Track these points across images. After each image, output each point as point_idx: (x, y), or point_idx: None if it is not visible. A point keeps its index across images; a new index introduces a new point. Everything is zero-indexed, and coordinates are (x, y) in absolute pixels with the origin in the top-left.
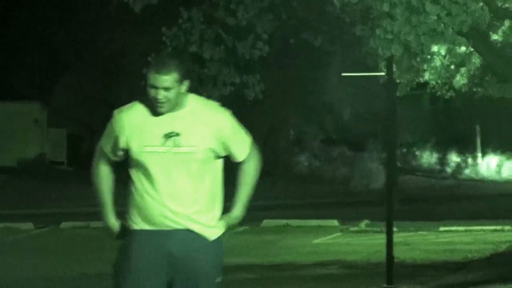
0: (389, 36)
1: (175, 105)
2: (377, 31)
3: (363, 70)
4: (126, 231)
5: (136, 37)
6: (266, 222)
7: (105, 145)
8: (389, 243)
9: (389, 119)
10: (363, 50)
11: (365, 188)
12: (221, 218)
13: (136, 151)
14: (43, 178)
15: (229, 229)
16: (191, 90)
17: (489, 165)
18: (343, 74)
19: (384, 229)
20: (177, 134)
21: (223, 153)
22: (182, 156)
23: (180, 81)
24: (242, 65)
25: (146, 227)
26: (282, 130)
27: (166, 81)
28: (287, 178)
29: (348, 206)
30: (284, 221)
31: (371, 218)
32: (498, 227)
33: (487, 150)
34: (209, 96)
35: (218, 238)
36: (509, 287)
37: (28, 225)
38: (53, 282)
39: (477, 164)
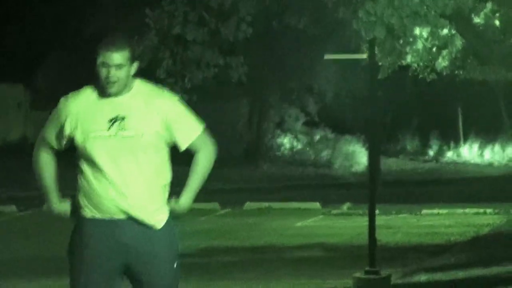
0: (372, 18)
1: (124, 87)
2: (360, 13)
3: (345, 52)
4: (77, 208)
5: (119, 19)
6: (248, 205)
7: (48, 133)
8: (371, 226)
9: (371, 102)
10: (346, 33)
11: (347, 171)
12: (167, 204)
13: (81, 138)
14: (25, 161)
15: (175, 216)
16: (175, 72)
17: (471, 148)
18: (325, 56)
19: (366, 212)
20: (123, 118)
21: (169, 140)
22: (128, 141)
23: (131, 60)
24: (226, 47)
25: (97, 215)
26: (264, 112)
27: (118, 59)
28: (269, 160)
29: (330, 188)
30: (266, 204)
31: (353, 201)
32: (480, 210)
33: (469, 133)
34: (192, 78)
35: (169, 224)
36: (491, 269)
37: (11, 208)
38: (36, 264)
39: (459, 147)
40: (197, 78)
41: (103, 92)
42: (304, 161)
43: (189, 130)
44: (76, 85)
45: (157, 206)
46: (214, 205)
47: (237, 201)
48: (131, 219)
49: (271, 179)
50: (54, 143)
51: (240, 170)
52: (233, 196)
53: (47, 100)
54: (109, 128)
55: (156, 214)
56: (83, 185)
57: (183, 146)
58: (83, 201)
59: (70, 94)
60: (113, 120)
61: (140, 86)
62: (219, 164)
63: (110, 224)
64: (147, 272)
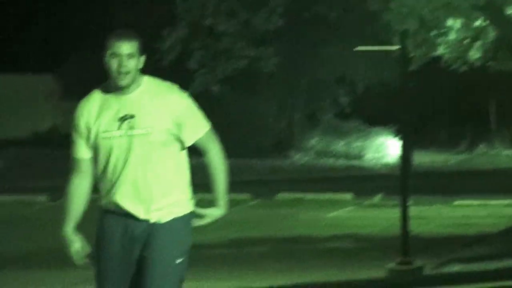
0: (404, 10)
1: (133, 81)
2: (392, 5)
3: (376, 43)
4: (84, 253)
5: (150, 9)
6: (280, 196)
7: (76, 150)
8: (404, 217)
9: (403, 94)
10: (377, 24)
11: (379, 162)
12: (204, 213)
13: (94, 138)
14: (56, 151)
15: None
16: (206, 63)
17: (504, 140)
18: (357, 48)
19: (398, 203)
20: (132, 116)
21: (179, 136)
22: (138, 139)
23: (140, 52)
24: (257, 38)
25: (113, 208)
26: (295, 103)
27: (129, 48)
28: (300, 151)
29: (362, 179)
30: (298, 195)
31: (385, 192)
32: None
33: (501, 125)
34: (223, 69)
35: (179, 220)
36: None
37: (42, 198)
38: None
39: (491, 138)
40: (228, 69)
41: (113, 88)
42: (335, 152)
43: (197, 127)
44: (105, 75)
45: (166, 203)
46: (246, 196)
47: (268, 192)
48: (140, 215)
49: (302, 170)
50: (84, 153)
51: (271, 161)
52: (265, 187)
53: (77, 90)
54: (119, 127)
55: (157, 210)
56: (100, 180)
57: (188, 142)
58: (102, 194)
59: (81, 102)
60: (123, 119)
61: (149, 83)
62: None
63: (124, 217)
64: (148, 265)
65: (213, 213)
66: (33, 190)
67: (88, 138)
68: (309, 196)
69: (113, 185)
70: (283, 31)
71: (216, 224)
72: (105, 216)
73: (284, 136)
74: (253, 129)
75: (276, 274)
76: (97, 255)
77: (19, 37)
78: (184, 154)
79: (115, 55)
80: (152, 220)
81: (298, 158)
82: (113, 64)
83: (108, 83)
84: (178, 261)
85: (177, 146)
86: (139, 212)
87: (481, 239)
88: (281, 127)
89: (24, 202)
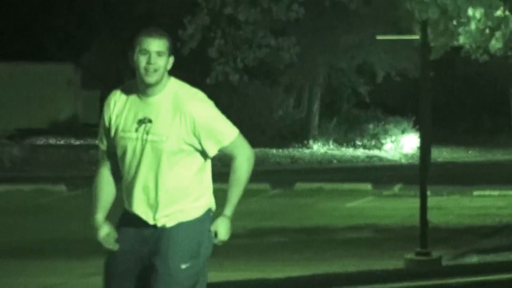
0: None
1: (160, 80)
2: None
3: (396, 32)
4: (112, 239)
5: None
6: (298, 186)
7: (99, 139)
8: (423, 207)
9: (423, 83)
10: (397, 13)
11: (398, 152)
12: (214, 221)
13: (113, 134)
14: (75, 140)
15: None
16: (227, 53)
17: None
18: (378, 37)
19: (417, 193)
20: (150, 121)
21: (199, 146)
22: (152, 145)
23: (170, 52)
24: (278, 28)
25: (128, 207)
26: (314, 93)
27: (159, 45)
28: (319, 141)
29: (381, 170)
30: (317, 184)
31: (404, 182)
32: None
33: None
34: (244, 58)
35: (187, 226)
36: None
37: (61, 187)
38: (85, 243)
39: (511, 129)
40: (248, 58)
41: (139, 86)
42: (354, 142)
43: (220, 136)
44: (125, 65)
45: (174, 210)
46: (265, 185)
47: (287, 181)
48: (138, 216)
49: (321, 160)
50: (102, 145)
51: (290, 150)
52: (283, 177)
53: (97, 80)
54: (137, 129)
55: (168, 216)
56: (122, 178)
57: (211, 153)
58: (123, 193)
59: (111, 93)
60: (141, 122)
61: (174, 87)
62: (269, 144)
63: (136, 217)
64: (152, 270)
65: (220, 229)
66: (52, 179)
67: (109, 132)
68: (328, 186)
69: (127, 185)
70: (303, 20)
71: (235, 214)
72: (124, 212)
73: (303, 125)
74: (272, 118)
75: (294, 264)
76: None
77: (40, 26)
78: (204, 163)
79: (144, 51)
80: (159, 225)
81: (317, 147)
82: (142, 60)
83: (134, 81)
84: (184, 266)
85: (195, 155)
86: (148, 216)
87: (500, 229)
88: (300, 117)
89: (43, 191)
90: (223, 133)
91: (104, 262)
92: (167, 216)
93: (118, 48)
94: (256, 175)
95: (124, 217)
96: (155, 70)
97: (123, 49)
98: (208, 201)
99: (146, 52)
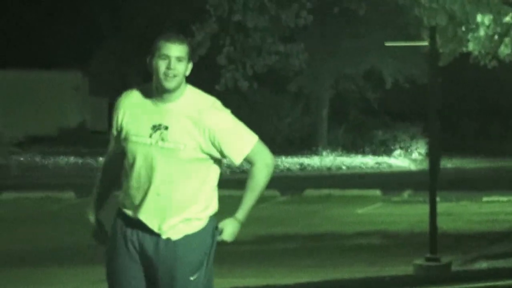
0: (434, 5)
1: (178, 86)
2: (422, 0)
3: (404, 39)
4: (103, 236)
5: (180, 5)
6: (308, 192)
7: (110, 137)
8: (432, 213)
9: (431, 89)
10: (405, 19)
11: (407, 158)
12: (222, 223)
13: (123, 138)
14: (84, 147)
15: (228, 235)
16: (236, 59)
17: None
18: (386, 43)
19: (426, 199)
20: (166, 128)
21: (217, 155)
22: (166, 152)
23: (189, 58)
24: (286, 34)
25: (129, 212)
26: (322, 99)
27: (180, 51)
28: (328, 148)
29: (391, 176)
30: (326, 191)
31: (413, 188)
32: None
33: None
34: (253, 65)
35: (193, 237)
36: None
37: (69, 194)
38: (93, 250)
39: None
40: (258, 65)
41: (155, 91)
42: (363, 149)
43: (241, 144)
44: (133, 72)
45: (181, 219)
46: (274, 192)
47: (296, 188)
48: (143, 224)
49: (330, 167)
50: (112, 146)
51: (299, 157)
52: (292, 183)
53: (105, 87)
54: (151, 135)
55: (172, 226)
56: (124, 181)
57: (236, 162)
58: (121, 194)
59: (123, 93)
60: (156, 128)
61: (191, 94)
62: (278, 151)
63: (138, 224)
64: (158, 279)
65: (227, 228)
66: (60, 187)
67: (119, 135)
68: (337, 192)
69: (134, 191)
70: (312, 27)
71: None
72: (120, 216)
73: (311, 132)
74: (280, 125)
75: (303, 270)
76: (110, 254)
77: (47, 34)
78: (216, 170)
79: (164, 56)
80: (164, 236)
81: (326, 154)
82: (161, 65)
83: (150, 85)
84: (193, 278)
85: (209, 164)
86: (154, 224)
87: (509, 235)
88: (308, 123)
89: (51, 198)
90: (243, 141)
91: (107, 270)
92: (173, 226)
93: (125, 55)
94: None
95: (120, 222)
96: (175, 76)
97: (130, 56)
98: (214, 210)
99: (166, 57)
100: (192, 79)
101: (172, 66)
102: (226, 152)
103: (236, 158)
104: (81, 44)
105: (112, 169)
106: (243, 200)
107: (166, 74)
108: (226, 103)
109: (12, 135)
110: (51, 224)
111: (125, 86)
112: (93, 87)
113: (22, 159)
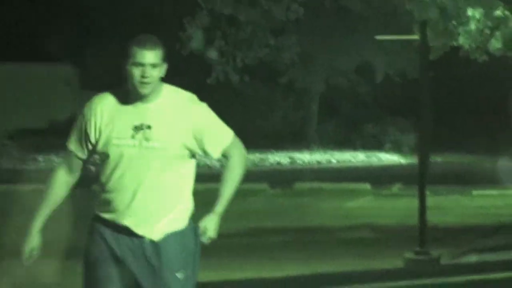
0: None
1: (154, 90)
2: None
3: (395, 33)
4: (36, 255)
5: None
6: (298, 186)
7: (72, 142)
8: (422, 207)
9: (422, 83)
10: (397, 13)
11: (398, 152)
12: (204, 221)
13: (103, 142)
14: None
15: (209, 226)
16: (227, 53)
17: None
18: (377, 37)
19: (416, 193)
20: (148, 127)
21: (198, 150)
22: (152, 151)
23: (163, 60)
24: (277, 28)
25: (110, 216)
26: (314, 93)
27: (153, 57)
28: (319, 141)
29: (381, 170)
30: (316, 184)
31: (403, 182)
32: None
33: None
34: (244, 58)
35: (175, 236)
36: None
37: None
38: (81, 242)
39: (510, 128)
40: (249, 57)
41: (132, 95)
42: (353, 142)
43: (220, 138)
44: (123, 65)
45: (166, 220)
46: (264, 185)
47: (287, 181)
48: (128, 228)
49: (320, 160)
50: (79, 152)
51: (290, 151)
52: (283, 177)
53: (97, 80)
54: (133, 136)
55: (158, 227)
56: (101, 187)
57: (215, 155)
58: (99, 201)
59: (94, 98)
60: (138, 128)
61: (169, 93)
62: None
63: (115, 226)
64: (144, 281)
65: (209, 225)
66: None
67: (97, 140)
68: (327, 186)
69: (117, 196)
70: (303, 21)
71: (234, 213)
72: (98, 223)
73: (302, 125)
74: (271, 119)
75: (293, 264)
76: (90, 263)
77: (39, 27)
78: (194, 165)
79: (138, 64)
80: (148, 238)
81: (316, 148)
82: (136, 73)
83: (126, 87)
84: (180, 276)
85: (191, 160)
86: (138, 228)
87: (498, 229)
88: (299, 117)
89: (42, 191)
90: (223, 134)
91: (86, 281)
92: (158, 227)
93: (116, 48)
94: (256, 175)
95: (100, 228)
96: (150, 82)
97: (122, 50)
98: (192, 207)
99: (140, 65)
100: (184, 73)
101: (147, 74)
102: (206, 146)
103: (216, 152)
104: (72, 37)
105: (65, 184)
106: (222, 193)
107: (141, 82)
108: (217, 97)
109: (3, 128)
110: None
111: (117, 80)
112: (85, 81)
113: (13, 152)
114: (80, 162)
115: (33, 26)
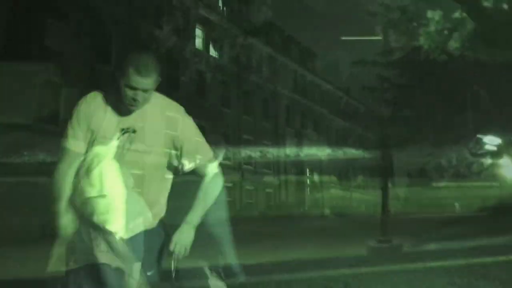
0: (387, 1)
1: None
2: None
3: (359, 34)
4: (72, 228)
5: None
6: (266, 178)
7: (70, 141)
8: (384, 198)
9: (385, 84)
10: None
11: (362, 147)
12: (179, 232)
13: (90, 141)
14: (57, 136)
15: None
16: (200, 53)
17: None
18: (343, 37)
19: (379, 184)
20: (134, 131)
21: (174, 159)
22: (133, 155)
23: (156, 80)
24: (248, 29)
25: (93, 217)
26: (282, 95)
27: (147, 84)
28: (294, 138)
29: (346, 162)
30: (284, 177)
31: (366, 174)
32: (487, 184)
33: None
34: (218, 56)
35: (141, 235)
36: (498, 239)
37: (45, 180)
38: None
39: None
40: (221, 57)
41: (121, 100)
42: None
43: (198, 152)
44: (105, 64)
45: (143, 218)
46: (236, 177)
47: (255, 174)
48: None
49: (289, 154)
50: (78, 148)
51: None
52: (252, 170)
53: (78, 78)
54: (119, 138)
55: (135, 225)
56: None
57: (187, 167)
58: (81, 197)
59: (86, 97)
60: (124, 131)
61: (157, 100)
62: (243, 141)
63: (96, 226)
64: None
65: (187, 239)
66: (35, 172)
67: (84, 136)
68: (294, 178)
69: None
70: (272, 22)
71: None
72: (83, 223)
73: (275, 124)
74: (245, 114)
75: (260, 252)
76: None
77: (22, 26)
78: (170, 179)
79: (132, 87)
80: (126, 236)
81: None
82: (128, 93)
83: (115, 91)
84: (150, 273)
85: (169, 166)
86: (117, 226)
87: (457, 218)
88: (248, 121)
89: (27, 183)
90: (202, 151)
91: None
92: (133, 226)
93: (96, 47)
94: (229, 167)
95: (85, 228)
96: (139, 104)
97: (101, 49)
98: (163, 212)
99: (134, 88)
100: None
101: (138, 98)
102: (183, 156)
103: (189, 164)
104: (54, 36)
105: (69, 182)
106: (197, 207)
107: (130, 104)
108: (190, 94)
109: None
110: (30, 207)
111: (98, 78)
112: (66, 79)
113: None
114: (80, 157)
115: (15, 24)
